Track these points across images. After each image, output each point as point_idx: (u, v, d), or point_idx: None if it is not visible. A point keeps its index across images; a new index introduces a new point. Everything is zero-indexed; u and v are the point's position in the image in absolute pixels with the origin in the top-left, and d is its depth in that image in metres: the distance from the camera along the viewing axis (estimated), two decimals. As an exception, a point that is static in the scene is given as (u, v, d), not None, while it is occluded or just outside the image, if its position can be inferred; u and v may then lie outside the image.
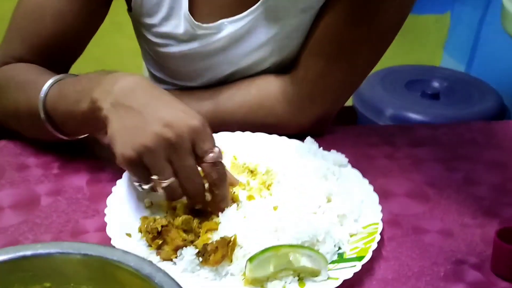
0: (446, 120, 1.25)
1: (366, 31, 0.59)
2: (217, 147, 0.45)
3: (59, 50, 0.60)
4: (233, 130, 0.59)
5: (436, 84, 1.46)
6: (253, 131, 0.59)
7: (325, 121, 0.64)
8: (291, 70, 0.63)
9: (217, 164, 0.44)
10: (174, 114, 0.43)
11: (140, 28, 0.63)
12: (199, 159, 0.43)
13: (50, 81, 0.52)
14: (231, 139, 0.57)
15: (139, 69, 0.76)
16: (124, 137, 0.43)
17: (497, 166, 0.61)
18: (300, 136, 0.59)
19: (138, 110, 0.44)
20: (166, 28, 0.59)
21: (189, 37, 0.59)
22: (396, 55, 1.49)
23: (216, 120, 0.57)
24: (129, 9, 0.62)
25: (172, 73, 0.66)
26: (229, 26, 0.58)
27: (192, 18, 0.57)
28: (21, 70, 0.58)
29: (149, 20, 0.60)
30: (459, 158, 0.62)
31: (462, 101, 1.36)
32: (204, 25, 0.58)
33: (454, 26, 1.92)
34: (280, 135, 0.60)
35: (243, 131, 0.59)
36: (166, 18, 0.59)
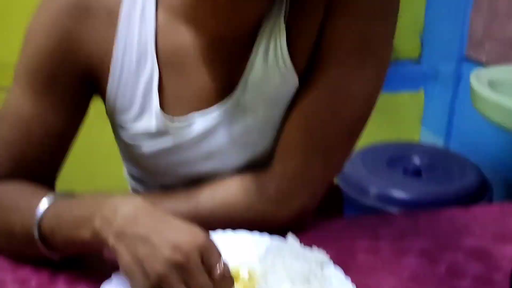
0: (429, 196, 1.27)
1: (336, 123, 0.60)
2: (223, 260, 0.46)
3: (46, 161, 0.62)
4: (214, 229, 0.59)
5: (417, 160, 1.50)
6: (234, 228, 0.59)
7: (305, 215, 0.65)
8: (269, 165, 0.64)
9: (226, 278, 0.46)
10: (179, 236, 0.45)
11: (115, 127, 0.65)
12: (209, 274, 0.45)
13: (44, 204, 0.53)
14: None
15: (120, 170, 0.78)
16: (139, 268, 0.44)
17: (479, 255, 0.61)
18: (281, 230, 0.59)
19: (145, 237, 0.45)
20: (139, 125, 0.61)
21: (162, 133, 0.61)
22: (376, 132, 1.53)
23: (196, 220, 0.57)
24: (106, 110, 0.65)
25: (148, 170, 0.67)
26: (200, 119, 0.60)
27: (163, 112, 0.59)
28: (13, 190, 0.58)
29: (122, 118, 0.62)
30: (441, 248, 0.62)
31: (444, 177, 1.39)
32: (175, 117, 0.60)
33: (429, 102, 2.01)
34: (261, 231, 0.60)
35: (223, 229, 0.59)
36: (138, 115, 0.60)
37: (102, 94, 0.62)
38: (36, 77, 0.58)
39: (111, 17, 0.57)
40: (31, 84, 0.58)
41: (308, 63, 0.60)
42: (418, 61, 2.03)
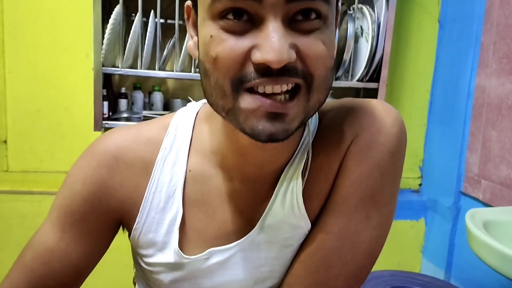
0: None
1: (341, 269, 0.61)
2: None
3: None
4: None
5: (417, 292, 1.51)
6: None
7: None
8: None
9: None
10: None
11: (136, 255, 0.68)
12: None
13: None
14: None
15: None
16: None
17: None
18: None
19: None
20: (158, 259, 0.63)
21: (179, 266, 0.63)
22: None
23: None
24: (131, 243, 0.68)
25: None
26: (217, 255, 0.63)
27: (181, 252, 0.62)
28: None
29: (144, 252, 0.64)
30: None
31: (444, 314, 1.38)
32: (192, 257, 0.62)
33: (429, 232, 2.06)
34: None
35: None
36: (158, 250, 0.63)
37: (129, 230, 0.65)
38: (66, 216, 0.62)
39: (146, 167, 0.62)
40: (61, 220, 0.62)
41: (321, 209, 0.63)
42: (418, 191, 2.13)
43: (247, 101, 0.48)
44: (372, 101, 0.63)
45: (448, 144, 1.93)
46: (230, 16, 0.47)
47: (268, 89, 0.47)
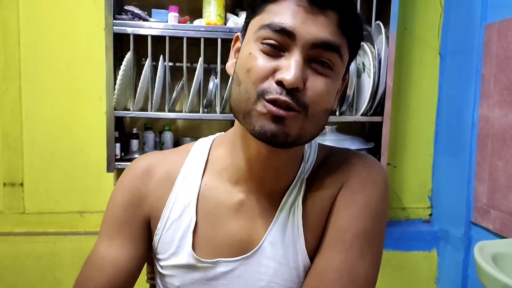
0: None
1: None
2: None
3: None
4: None
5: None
6: None
7: None
8: None
9: None
10: None
11: (155, 261, 0.77)
12: None
13: None
14: None
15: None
16: None
17: None
18: None
19: None
20: (172, 261, 0.72)
21: (191, 268, 0.71)
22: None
23: None
24: (152, 247, 0.77)
25: None
26: (223, 264, 0.70)
27: (194, 253, 0.70)
28: None
29: (161, 256, 0.74)
30: None
31: None
32: (203, 259, 0.70)
33: (442, 262, 2.04)
34: None
35: None
36: (174, 254, 0.72)
37: (152, 235, 0.75)
38: (112, 223, 0.73)
39: (169, 179, 0.75)
40: (108, 230, 0.73)
41: (318, 242, 0.70)
42: (429, 221, 2.12)
43: (262, 106, 0.60)
44: (362, 155, 0.75)
45: (456, 174, 1.94)
46: (268, 43, 0.61)
47: (280, 103, 0.60)
